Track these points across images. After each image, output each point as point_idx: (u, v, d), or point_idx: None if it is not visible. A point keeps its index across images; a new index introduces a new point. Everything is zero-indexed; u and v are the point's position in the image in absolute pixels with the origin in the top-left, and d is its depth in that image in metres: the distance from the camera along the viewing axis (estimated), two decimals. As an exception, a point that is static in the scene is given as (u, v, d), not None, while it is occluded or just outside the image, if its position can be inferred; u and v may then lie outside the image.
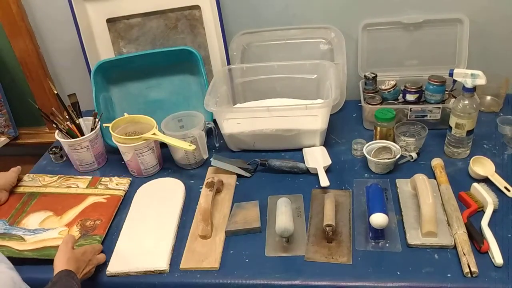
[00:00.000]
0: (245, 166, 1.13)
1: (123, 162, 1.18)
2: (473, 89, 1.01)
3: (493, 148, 1.12)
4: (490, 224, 0.89)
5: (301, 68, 1.29)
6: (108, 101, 1.28)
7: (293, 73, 1.30)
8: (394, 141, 1.13)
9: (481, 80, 0.99)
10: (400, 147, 1.09)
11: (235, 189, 1.08)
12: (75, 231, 0.98)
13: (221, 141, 1.23)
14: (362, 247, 0.89)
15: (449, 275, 0.81)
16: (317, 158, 1.12)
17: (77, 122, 1.20)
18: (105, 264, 0.91)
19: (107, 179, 1.15)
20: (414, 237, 0.88)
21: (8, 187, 1.10)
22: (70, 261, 0.81)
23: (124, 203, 1.08)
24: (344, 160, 1.14)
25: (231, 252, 0.92)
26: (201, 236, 0.94)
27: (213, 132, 1.21)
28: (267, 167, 1.12)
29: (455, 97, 1.15)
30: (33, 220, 1.02)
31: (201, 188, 1.05)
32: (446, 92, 1.19)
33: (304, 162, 1.11)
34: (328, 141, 1.21)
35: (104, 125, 1.17)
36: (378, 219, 0.86)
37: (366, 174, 1.09)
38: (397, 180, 1.04)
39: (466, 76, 1.01)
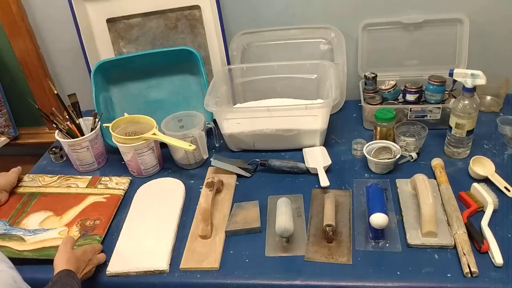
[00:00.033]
0: (245, 166, 1.13)
1: (123, 162, 1.18)
2: (473, 89, 1.01)
3: (493, 148, 1.12)
4: (490, 224, 0.89)
5: (301, 68, 1.29)
6: (108, 101, 1.28)
7: (293, 73, 1.30)
8: (394, 141, 1.13)
9: (481, 80, 0.99)
10: (400, 147, 1.09)
11: (235, 189, 1.08)
12: (75, 231, 0.98)
13: (221, 141, 1.23)
14: (362, 247, 0.89)
15: (449, 275, 0.81)
16: (317, 158, 1.12)
17: (77, 122, 1.20)
18: (105, 264, 0.91)
19: (107, 178, 1.15)
20: (414, 237, 0.88)
21: (9, 187, 1.10)
22: (70, 261, 0.81)
23: (124, 203, 1.08)
24: (344, 160, 1.14)
25: (231, 252, 0.92)
26: (201, 236, 0.94)
27: (213, 132, 1.21)
28: (267, 167, 1.12)
29: (455, 97, 1.14)
30: (33, 220, 1.02)
31: (201, 188, 1.05)
32: (446, 92, 1.19)
33: (304, 162, 1.11)
34: (328, 141, 1.21)
35: (104, 125, 1.17)
36: (378, 219, 0.86)
37: (366, 174, 1.09)
38: (397, 180, 1.04)
39: (466, 76, 1.01)
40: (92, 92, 1.21)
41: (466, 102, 1.02)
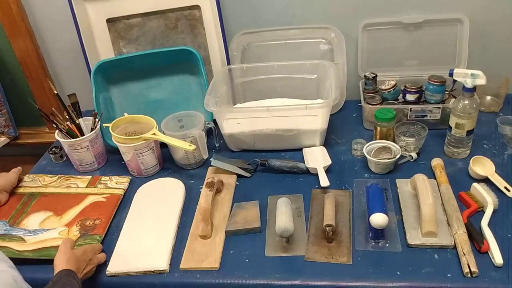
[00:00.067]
0: (245, 166, 1.13)
1: (123, 162, 1.18)
2: (473, 89, 1.01)
3: (493, 148, 1.12)
4: (490, 224, 0.89)
5: (301, 68, 1.29)
6: (108, 101, 1.28)
7: (293, 73, 1.30)
8: (394, 141, 1.13)
9: (481, 80, 0.99)
10: (400, 147, 1.09)
11: (235, 189, 1.08)
12: (75, 230, 0.98)
13: (221, 141, 1.23)
14: (362, 247, 0.89)
15: (449, 275, 0.81)
16: (317, 158, 1.12)
17: (77, 122, 1.20)
18: (105, 264, 0.91)
19: (107, 178, 1.15)
20: (414, 237, 0.88)
21: (9, 188, 1.10)
22: (70, 261, 0.81)
23: (124, 203, 1.08)
24: (344, 160, 1.14)
25: (231, 252, 0.92)
26: (201, 236, 0.94)
27: (213, 132, 1.21)
28: (267, 167, 1.12)
29: (455, 97, 1.15)
30: (33, 220, 1.02)
31: (201, 188, 1.05)
32: (446, 92, 1.19)
33: (304, 162, 1.11)
34: (328, 141, 1.21)
35: (104, 125, 1.17)
36: (378, 219, 0.86)
37: (366, 174, 1.09)
38: (397, 180, 1.04)
39: (466, 76, 1.01)
40: (92, 92, 1.21)
41: (466, 102, 1.02)
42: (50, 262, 0.84)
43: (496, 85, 1.25)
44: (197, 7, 1.30)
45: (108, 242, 0.96)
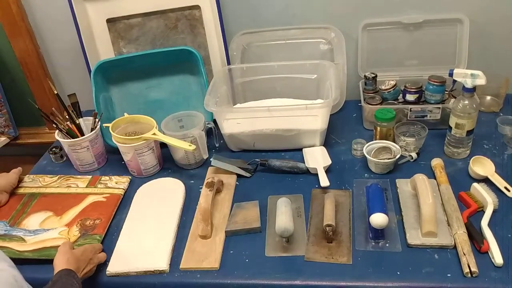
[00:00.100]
0: (245, 166, 1.13)
1: (123, 162, 1.18)
2: (473, 89, 1.01)
3: (493, 148, 1.12)
4: (490, 224, 0.89)
5: (301, 68, 1.29)
6: (108, 101, 1.28)
7: (293, 73, 1.30)
8: (394, 141, 1.13)
9: (481, 80, 0.99)
10: (400, 147, 1.09)
11: (235, 189, 1.08)
12: (75, 230, 0.98)
13: (221, 141, 1.23)
14: (362, 247, 0.89)
15: (449, 275, 0.81)
16: (317, 158, 1.12)
17: (77, 122, 1.20)
18: (105, 264, 0.91)
19: (107, 178, 1.15)
20: (414, 237, 0.88)
21: (9, 188, 1.10)
22: (70, 261, 0.82)
23: (124, 203, 1.08)
24: (344, 160, 1.14)
25: (231, 252, 0.92)
26: (201, 236, 0.94)
27: (213, 132, 1.21)
28: (267, 167, 1.12)
29: (455, 97, 1.14)
30: (33, 220, 1.02)
31: (201, 188, 1.05)
32: (446, 92, 1.19)
33: (304, 162, 1.11)
34: (328, 141, 1.21)
35: (104, 125, 1.17)
36: (378, 219, 0.86)
37: (366, 174, 1.09)
38: (397, 180, 1.04)
39: (466, 76, 1.01)
40: (92, 92, 1.21)
41: (466, 102, 1.02)
42: (50, 262, 0.84)
43: (496, 85, 1.25)
44: (197, 7, 1.30)
45: (108, 242, 0.96)
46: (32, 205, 1.07)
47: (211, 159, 1.12)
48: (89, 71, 1.29)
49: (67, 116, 1.20)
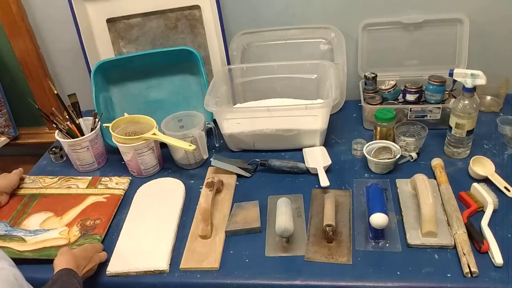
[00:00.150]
0: (245, 166, 1.13)
1: (123, 162, 1.18)
2: (473, 89, 1.01)
3: (493, 148, 1.12)
4: (490, 224, 0.89)
5: (301, 68, 1.29)
6: (108, 101, 1.28)
7: (293, 73, 1.30)
8: (394, 141, 1.13)
9: (481, 80, 0.99)
10: (400, 147, 1.09)
11: (235, 189, 1.08)
12: (75, 230, 0.98)
13: (221, 141, 1.24)
14: (362, 247, 0.89)
15: (449, 275, 0.81)
16: (317, 158, 1.12)
17: (77, 122, 1.20)
18: (105, 264, 0.91)
19: (107, 179, 1.15)
20: (414, 237, 0.88)
21: (9, 189, 1.10)
22: (70, 260, 0.82)
23: (124, 203, 1.08)
24: (344, 160, 1.14)
25: (231, 252, 0.92)
26: (201, 236, 0.94)
27: (213, 132, 1.21)
28: (267, 167, 1.12)
29: (455, 97, 1.15)
30: (33, 221, 1.02)
31: (201, 188, 1.05)
32: (446, 92, 1.19)
33: (304, 162, 1.11)
34: (328, 141, 1.21)
35: (104, 125, 1.17)
36: (378, 219, 0.86)
37: (366, 174, 1.09)
38: (397, 180, 1.04)
39: (466, 76, 1.01)
40: (92, 92, 1.21)
41: (466, 102, 1.02)
42: (50, 262, 0.84)
43: (496, 85, 1.25)
44: (197, 7, 1.30)
45: (108, 242, 0.96)
46: (32, 206, 1.07)
47: (211, 159, 1.12)
48: (89, 71, 1.29)
49: (67, 116, 1.20)
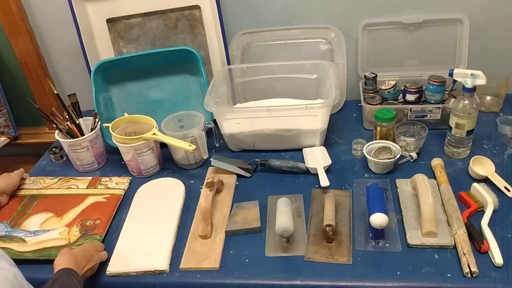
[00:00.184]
0: (245, 166, 1.13)
1: (123, 162, 1.18)
2: (473, 89, 1.01)
3: (493, 148, 1.12)
4: (490, 224, 0.89)
5: (301, 68, 1.29)
6: (108, 101, 1.28)
7: (293, 73, 1.30)
8: (394, 141, 1.13)
9: (481, 80, 0.99)
10: (400, 147, 1.09)
11: (235, 189, 1.08)
12: (75, 231, 0.98)
13: (221, 141, 1.23)
14: (362, 247, 0.89)
15: (449, 275, 0.81)
16: (317, 158, 1.12)
17: (77, 122, 1.20)
18: (105, 264, 0.91)
19: (107, 179, 1.15)
20: (414, 237, 0.88)
21: (10, 190, 1.10)
22: (70, 260, 0.82)
23: (124, 203, 1.08)
24: (344, 160, 1.14)
25: (231, 252, 0.92)
26: (201, 236, 0.94)
27: (213, 132, 1.21)
28: (267, 167, 1.12)
29: (455, 97, 1.14)
30: (34, 221, 1.02)
31: (201, 188, 1.05)
32: (446, 92, 1.19)
33: (304, 162, 1.11)
34: (328, 141, 1.21)
35: (104, 125, 1.17)
36: (378, 219, 0.86)
37: (366, 174, 1.09)
38: (397, 180, 1.04)
39: (466, 76, 1.01)
40: (92, 92, 1.21)
41: (466, 102, 1.02)
42: (50, 262, 0.84)
43: (496, 85, 1.25)
44: (197, 7, 1.30)
45: (108, 242, 0.96)
46: (32, 207, 1.07)
47: (211, 159, 1.12)
48: (89, 71, 1.29)
49: (67, 116, 1.20)
